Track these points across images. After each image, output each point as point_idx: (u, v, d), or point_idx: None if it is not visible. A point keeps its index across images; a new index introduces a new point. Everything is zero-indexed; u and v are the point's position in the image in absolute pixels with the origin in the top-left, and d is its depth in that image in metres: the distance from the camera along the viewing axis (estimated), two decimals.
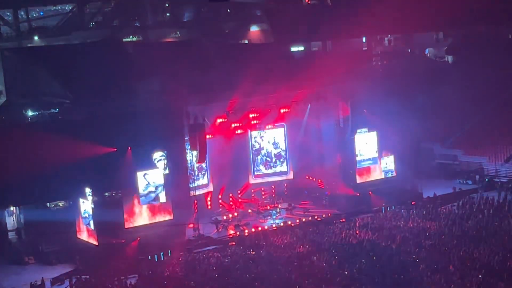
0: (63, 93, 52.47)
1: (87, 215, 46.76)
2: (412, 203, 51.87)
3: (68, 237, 47.55)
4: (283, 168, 56.63)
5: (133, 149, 46.25)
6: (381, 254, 41.86)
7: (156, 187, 47.56)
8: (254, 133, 55.79)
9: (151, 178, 47.47)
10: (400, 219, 48.63)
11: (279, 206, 54.06)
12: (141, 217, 47.40)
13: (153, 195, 47.43)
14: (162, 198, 47.87)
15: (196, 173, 51.71)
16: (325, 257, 42.09)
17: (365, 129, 54.05)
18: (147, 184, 47.38)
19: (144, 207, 47.34)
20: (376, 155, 54.50)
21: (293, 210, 53.24)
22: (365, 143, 54.20)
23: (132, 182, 46.99)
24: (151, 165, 47.40)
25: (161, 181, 47.54)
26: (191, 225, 49.35)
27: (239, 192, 54.97)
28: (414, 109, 54.75)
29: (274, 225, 50.35)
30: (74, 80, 52.27)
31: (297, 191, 56.40)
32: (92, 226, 46.40)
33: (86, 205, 46.72)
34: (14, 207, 50.77)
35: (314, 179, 55.87)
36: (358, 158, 53.91)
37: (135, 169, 46.94)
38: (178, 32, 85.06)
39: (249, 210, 53.78)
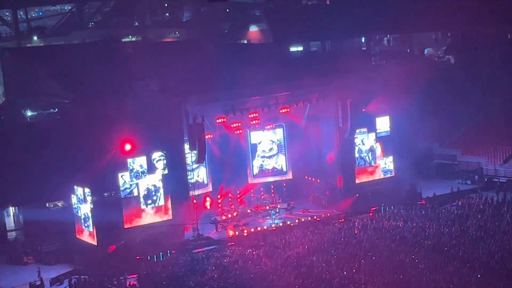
0: (62, 93, 52.48)
1: (86, 215, 46.72)
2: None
3: (67, 237, 47.48)
4: (283, 168, 56.70)
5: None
6: (381, 254, 41.86)
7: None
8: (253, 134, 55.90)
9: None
10: (399, 219, 48.60)
11: (278, 206, 54.00)
12: (140, 217, 47.44)
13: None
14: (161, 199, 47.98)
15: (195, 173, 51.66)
16: (324, 257, 42.08)
17: (365, 129, 54.08)
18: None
19: (143, 207, 47.36)
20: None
21: (292, 210, 53.20)
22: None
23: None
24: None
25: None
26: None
27: (238, 192, 54.88)
28: (413, 109, 54.69)
29: (273, 225, 50.32)
30: (73, 80, 52.29)
31: (296, 191, 56.30)
32: (91, 227, 46.37)
33: (85, 205, 46.67)
34: (13, 207, 50.75)
35: (314, 179, 55.82)
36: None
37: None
38: (177, 32, 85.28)
39: (248, 210, 53.73)
